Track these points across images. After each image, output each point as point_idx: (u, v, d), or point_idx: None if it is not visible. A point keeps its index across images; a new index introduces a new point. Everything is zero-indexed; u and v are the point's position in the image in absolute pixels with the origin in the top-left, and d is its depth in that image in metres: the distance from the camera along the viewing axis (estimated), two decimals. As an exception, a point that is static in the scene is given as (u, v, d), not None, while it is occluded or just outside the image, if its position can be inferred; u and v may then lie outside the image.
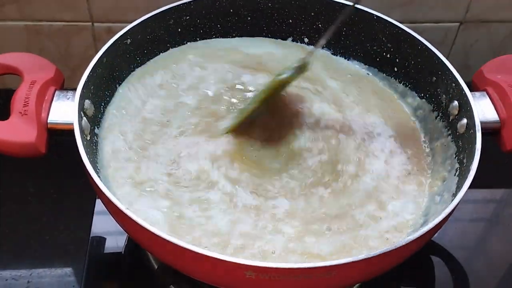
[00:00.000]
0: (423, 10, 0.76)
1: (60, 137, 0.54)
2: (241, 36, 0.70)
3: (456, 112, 0.58)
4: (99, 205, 0.63)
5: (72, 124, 0.51)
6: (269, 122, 0.61)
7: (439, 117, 0.61)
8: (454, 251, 0.64)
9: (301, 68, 0.58)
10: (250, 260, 0.43)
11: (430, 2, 0.76)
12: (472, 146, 0.53)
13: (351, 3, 0.63)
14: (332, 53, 0.70)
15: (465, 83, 0.58)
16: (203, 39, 0.68)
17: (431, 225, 0.46)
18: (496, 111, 0.57)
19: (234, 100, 0.63)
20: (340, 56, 0.70)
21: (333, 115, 0.62)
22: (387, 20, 0.64)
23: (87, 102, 0.55)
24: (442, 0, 0.76)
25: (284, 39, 0.70)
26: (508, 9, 0.78)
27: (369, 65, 0.68)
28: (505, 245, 0.66)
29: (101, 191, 0.47)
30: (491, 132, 0.57)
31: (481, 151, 0.52)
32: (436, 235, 0.51)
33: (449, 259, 0.64)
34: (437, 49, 0.61)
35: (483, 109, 0.57)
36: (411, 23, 0.76)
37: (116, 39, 0.59)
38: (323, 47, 0.70)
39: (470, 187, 0.49)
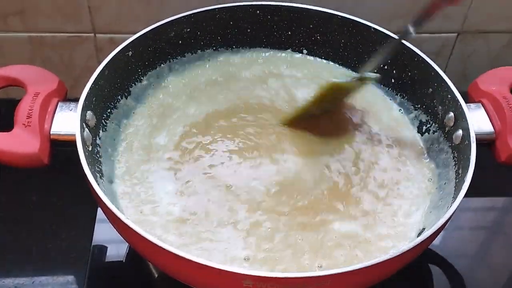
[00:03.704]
0: (421, 21, 0.77)
1: (62, 147, 0.54)
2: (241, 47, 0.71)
3: (451, 123, 0.59)
4: (100, 214, 0.63)
5: (74, 135, 0.52)
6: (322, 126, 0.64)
7: (435, 128, 0.62)
8: (453, 260, 0.64)
9: (359, 80, 0.61)
10: (248, 269, 0.44)
11: (428, 14, 0.76)
12: (467, 157, 0.53)
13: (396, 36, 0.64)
14: (331, 63, 0.71)
15: (463, 93, 0.59)
16: (203, 50, 0.69)
17: (425, 235, 0.47)
18: (491, 122, 0.57)
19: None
20: (339, 65, 0.71)
21: None
22: (383, 32, 0.65)
23: (89, 114, 0.56)
24: (440, 11, 0.76)
25: (283, 50, 0.71)
26: (505, 20, 0.78)
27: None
28: (505, 254, 0.66)
29: (102, 200, 0.48)
30: (486, 143, 0.57)
31: (481, 159, 0.53)
32: (435, 243, 0.51)
33: (448, 268, 0.64)
34: (435, 59, 0.62)
35: (478, 120, 0.57)
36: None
37: (118, 52, 0.60)
38: (321, 57, 0.71)
39: (469, 196, 0.50)
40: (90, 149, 0.55)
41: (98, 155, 0.57)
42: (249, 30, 0.70)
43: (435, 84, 0.61)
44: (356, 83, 0.61)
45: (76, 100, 0.55)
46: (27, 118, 0.54)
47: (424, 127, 0.64)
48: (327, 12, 0.67)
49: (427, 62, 0.62)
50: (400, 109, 0.67)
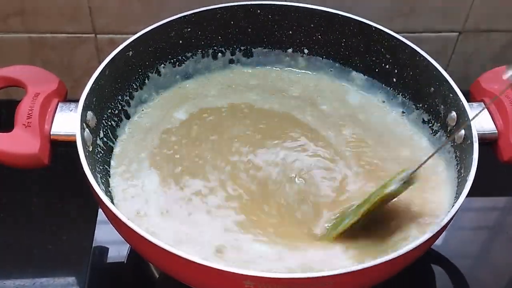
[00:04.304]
0: (422, 20, 0.77)
1: (63, 148, 0.54)
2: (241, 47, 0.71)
3: (453, 123, 0.59)
4: (101, 215, 0.63)
5: (74, 135, 0.52)
6: None
7: (437, 127, 0.62)
8: (456, 260, 0.64)
9: (409, 182, 0.52)
10: (249, 270, 0.44)
11: (429, 12, 0.76)
12: (469, 157, 0.53)
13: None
14: (332, 62, 0.71)
15: (466, 92, 0.58)
16: (203, 50, 0.69)
17: (428, 235, 0.47)
18: (493, 121, 0.57)
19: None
20: (340, 65, 0.70)
21: None
22: (385, 32, 0.65)
23: (89, 114, 0.56)
24: (441, 10, 0.76)
25: (284, 50, 0.71)
26: (507, 19, 0.78)
27: (368, 76, 0.69)
28: (508, 254, 0.66)
29: (102, 201, 0.48)
30: (488, 142, 0.57)
31: (484, 158, 0.52)
32: (438, 244, 0.51)
33: (451, 268, 0.64)
34: (436, 58, 0.62)
35: (480, 120, 0.57)
36: (411, 33, 0.77)
37: (118, 52, 0.60)
38: (322, 57, 0.71)
39: (472, 195, 0.50)
40: (90, 149, 0.55)
41: (98, 156, 0.57)
42: (250, 30, 0.69)
43: (437, 83, 0.61)
44: (404, 186, 0.53)
45: (76, 101, 0.55)
46: (27, 119, 0.54)
47: (426, 127, 0.64)
48: (329, 12, 0.67)
49: (429, 60, 0.61)
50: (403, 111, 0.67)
